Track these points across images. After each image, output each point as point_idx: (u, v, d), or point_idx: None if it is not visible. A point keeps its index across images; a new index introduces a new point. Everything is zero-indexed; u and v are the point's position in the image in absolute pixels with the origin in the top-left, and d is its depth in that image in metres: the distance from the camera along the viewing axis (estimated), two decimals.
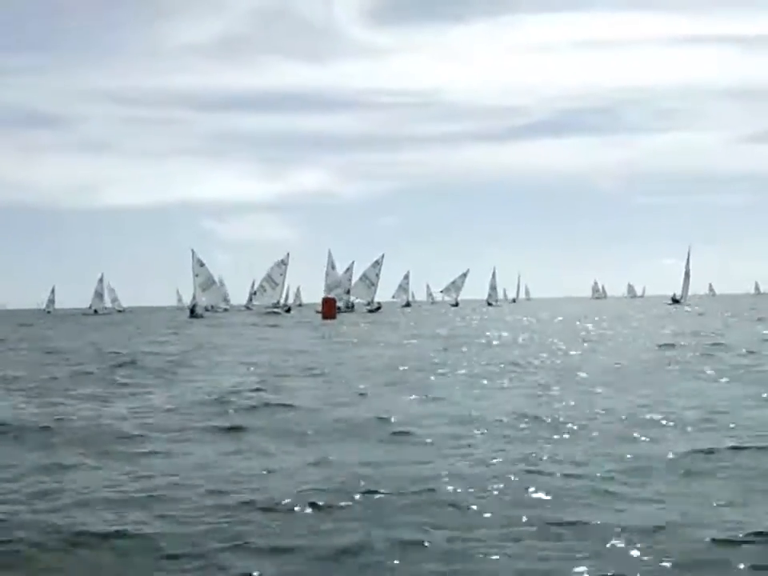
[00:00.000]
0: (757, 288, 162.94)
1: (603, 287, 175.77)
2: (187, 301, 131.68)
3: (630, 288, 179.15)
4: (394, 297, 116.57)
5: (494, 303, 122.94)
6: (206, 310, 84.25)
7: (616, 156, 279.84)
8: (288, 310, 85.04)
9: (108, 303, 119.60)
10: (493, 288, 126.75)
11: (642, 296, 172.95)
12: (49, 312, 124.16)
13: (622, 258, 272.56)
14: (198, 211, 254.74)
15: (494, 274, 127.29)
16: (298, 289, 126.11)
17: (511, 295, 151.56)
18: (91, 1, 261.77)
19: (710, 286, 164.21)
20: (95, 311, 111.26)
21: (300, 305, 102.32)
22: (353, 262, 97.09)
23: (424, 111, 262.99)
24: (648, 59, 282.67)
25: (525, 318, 60.07)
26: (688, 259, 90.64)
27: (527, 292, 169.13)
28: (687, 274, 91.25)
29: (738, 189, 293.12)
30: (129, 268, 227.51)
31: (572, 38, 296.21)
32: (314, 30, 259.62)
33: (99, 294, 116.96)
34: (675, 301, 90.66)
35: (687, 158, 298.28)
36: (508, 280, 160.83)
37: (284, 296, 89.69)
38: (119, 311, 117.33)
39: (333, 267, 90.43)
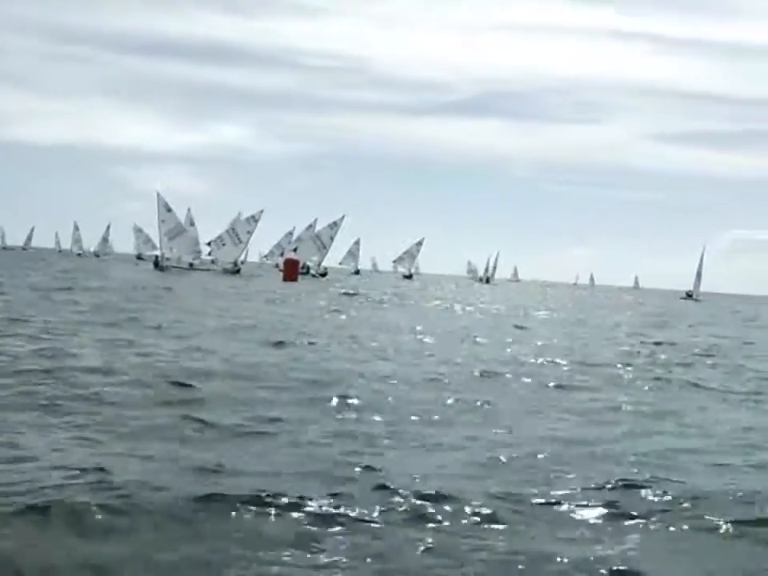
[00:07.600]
0: (636, 282, 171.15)
1: (490, 268, 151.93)
2: (65, 246, 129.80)
3: (515, 272, 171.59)
4: (341, 263, 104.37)
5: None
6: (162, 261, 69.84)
7: (531, 143, 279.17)
8: (238, 271, 72.58)
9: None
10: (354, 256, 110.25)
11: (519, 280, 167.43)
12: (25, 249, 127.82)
13: (524, 243, 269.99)
14: (111, 156, 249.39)
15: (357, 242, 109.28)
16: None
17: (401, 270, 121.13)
18: None
19: (636, 279, 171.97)
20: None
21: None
22: (315, 219, 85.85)
23: (349, 77, 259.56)
24: (574, 50, 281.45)
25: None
26: (701, 259, 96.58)
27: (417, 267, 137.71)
28: (699, 274, 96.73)
29: (646, 185, 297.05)
30: (28, 208, 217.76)
31: (504, 20, 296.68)
32: None
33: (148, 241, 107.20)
34: (689, 296, 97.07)
35: (599, 151, 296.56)
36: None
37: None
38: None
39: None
